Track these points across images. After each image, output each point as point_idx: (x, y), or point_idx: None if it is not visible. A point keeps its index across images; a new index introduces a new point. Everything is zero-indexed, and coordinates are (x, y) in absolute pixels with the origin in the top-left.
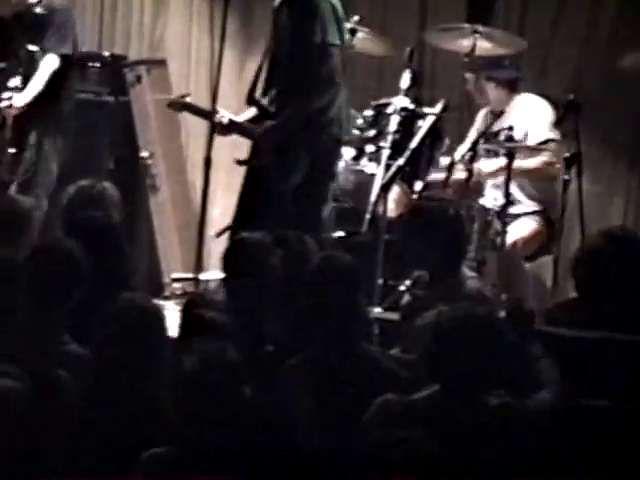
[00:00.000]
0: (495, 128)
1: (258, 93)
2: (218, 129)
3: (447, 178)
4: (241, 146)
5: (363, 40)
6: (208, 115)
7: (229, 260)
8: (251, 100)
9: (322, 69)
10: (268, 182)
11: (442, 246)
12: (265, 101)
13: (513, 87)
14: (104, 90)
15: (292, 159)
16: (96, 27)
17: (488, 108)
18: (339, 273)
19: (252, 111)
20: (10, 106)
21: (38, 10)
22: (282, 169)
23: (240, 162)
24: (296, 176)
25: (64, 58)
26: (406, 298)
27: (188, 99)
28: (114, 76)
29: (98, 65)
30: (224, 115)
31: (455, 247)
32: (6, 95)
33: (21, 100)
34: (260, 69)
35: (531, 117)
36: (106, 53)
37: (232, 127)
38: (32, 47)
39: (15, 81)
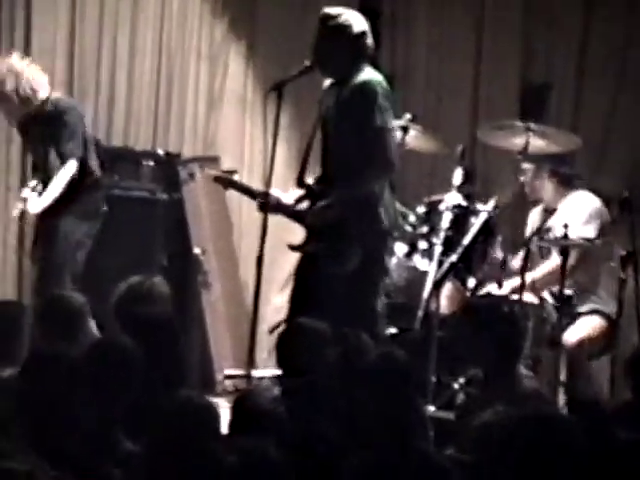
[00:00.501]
0: (548, 225)
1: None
2: (264, 208)
3: (500, 275)
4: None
5: (415, 138)
6: (254, 194)
7: (284, 346)
8: (300, 182)
9: (378, 153)
10: (321, 270)
11: (497, 344)
12: (314, 183)
13: (570, 184)
14: (158, 187)
15: (345, 246)
16: (151, 125)
17: (542, 206)
18: (396, 371)
19: (301, 192)
20: (23, 212)
21: (49, 108)
22: (335, 256)
23: (293, 247)
24: (349, 264)
25: (81, 160)
26: (460, 397)
27: (236, 177)
28: (168, 173)
29: (152, 163)
30: (271, 195)
31: (510, 345)
32: (25, 193)
33: (38, 206)
34: (308, 151)
35: (575, 213)
36: (160, 151)
37: (279, 207)
38: (48, 148)
39: (33, 183)
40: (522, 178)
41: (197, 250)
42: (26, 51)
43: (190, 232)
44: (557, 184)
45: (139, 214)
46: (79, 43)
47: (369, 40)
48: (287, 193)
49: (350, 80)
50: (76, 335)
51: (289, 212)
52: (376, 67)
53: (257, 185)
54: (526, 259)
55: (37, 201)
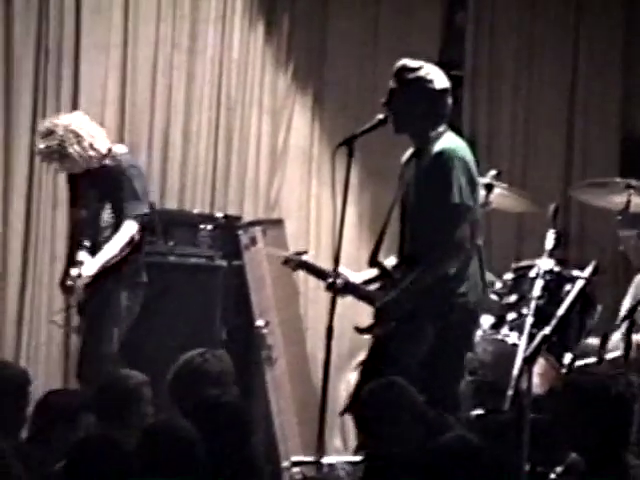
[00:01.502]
0: None
1: (383, 254)
2: (333, 290)
3: (601, 350)
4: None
5: (501, 196)
6: (326, 275)
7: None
8: (373, 262)
9: (455, 232)
10: (392, 353)
11: (601, 427)
12: (390, 263)
13: None
14: (217, 253)
15: (417, 328)
16: (209, 186)
17: None
18: (465, 457)
19: (372, 272)
20: (79, 275)
21: (107, 162)
22: (406, 339)
23: (360, 330)
24: (422, 347)
25: (141, 218)
26: None
27: (306, 257)
28: (227, 238)
29: (210, 227)
30: (341, 275)
31: (617, 428)
32: (81, 256)
33: (93, 267)
34: (385, 228)
35: None
36: (219, 214)
37: (349, 289)
38: (105, 206)
39: (87, 244)
40: (622, 247)
41: (260, 322)
42: (74, 104)
43: (252, 302)
44: None
45: (196, 283)
46: (130, 93)
47: (450, 100)
48: (357, 273)
49: (428, 148)
50: (130, 419)
51: (360, 294)
52: (456, 131)
53: (325, 254)
54: (629, 331)
55: (91, 262)
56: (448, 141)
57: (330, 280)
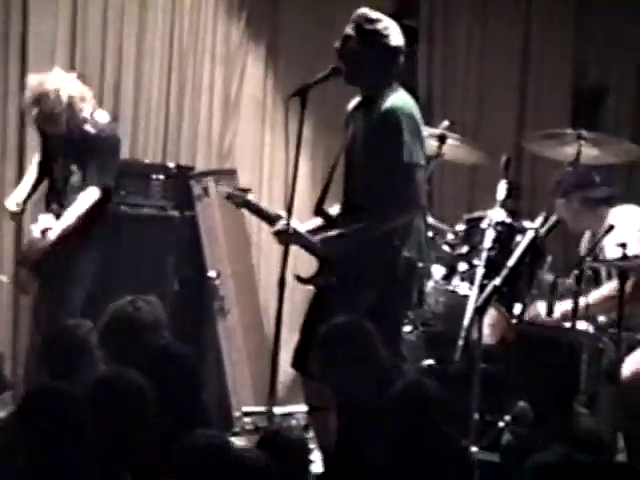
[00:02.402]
0: (602, 244)
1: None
2: (279, 237)
3: (550, 301)
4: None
5: (453, 147)
6: (271, 218)
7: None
8: (319, 211)
9: (405, 190)
10: (334, 304)
11: (549, 377)
12: (334, 211)
13: (610, 203)
14: (169, 204)
15: (358, 282)
16: (161, 136)
17: (589, 232)
18: (425, 402)
19: (317, 221)
20: (41, 238)
21: (87, 129)
22: (347, 292)
23: (301, 279)
24: (361, 302)
25: (105, 189)
26: (506, 436)
27: (250, 196)
28: (179, 189)
29: (162, 177)
30: (289, 222)
31: (565, 379)
32: (46, 220)
33: (52, 234)
34: (330, 179)
35: (628, 231)
36: (171, 164)
37: (295, 237)
38: (72, 169)
39: (48, 219)
40: (555, 217)
41: (212, 273)
42: (22, 55)
43: (205, 253)
44: (594, 209)
45: (148, 233)
46: (81, 44)
47: (402, 59)
48: (303, 224)
49: (378, 102)
50: (81, 368)
51: (306, 242)
52: (408, 88)
53: (277, 206)
54: (579, 282)
55: (53, 229)
56: (397, 98)
57: (280, 227)
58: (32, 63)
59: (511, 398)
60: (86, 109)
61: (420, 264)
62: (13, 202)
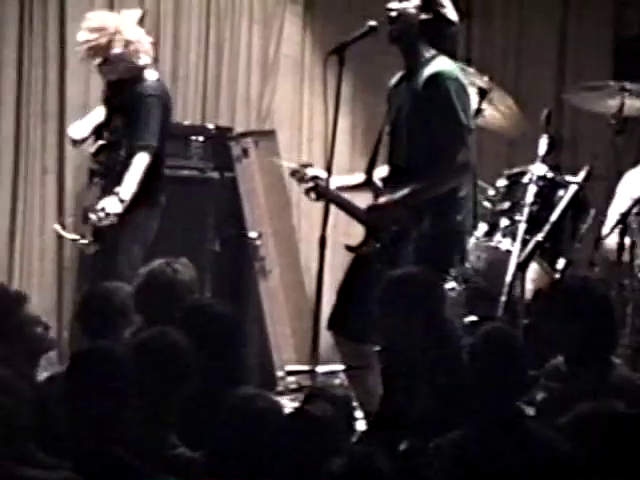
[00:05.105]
0: None
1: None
2: (320, 196)
3: (593, 255)
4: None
5: (492, 117)
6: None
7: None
8: (368, 181)
9: (456, 152)
10: (372, 273)
11: (589, 331)
12: (380, 174)
13: None
14: (208, 165)
15: (405, 251)
16: (199, 97)
17: (637, 169)
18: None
19: (357, 178)
20: (105, 213)
21: (136, 87)
22: (392, 261)
23: (349, 248)
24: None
25: (152, 149)
26: (540, 394)
27: (315, 171)
28: (219, 150)
29: (201, 139)
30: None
31: (604, 332)
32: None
33: (116, 208)
34: (378, 146)
35: None
36: (210, 125)
37: (330, 196)
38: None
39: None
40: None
41: (253, 234)
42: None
43: (245, 214)
44: None
45: (188, 195)
46: (118, 3)
47: (456, 33)
48: (340, 177)
49: (420, 71)
50: (118, 330)
51: (348, 206)
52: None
53: (317, 165)
54: (623, 236)
55: (115, 202)
56: (442, 63)
57: (310, 184)
58: (70, 20)
59: (548, 352)
60: (144, 57)
61: (466, 232)
62: (78, 132)
